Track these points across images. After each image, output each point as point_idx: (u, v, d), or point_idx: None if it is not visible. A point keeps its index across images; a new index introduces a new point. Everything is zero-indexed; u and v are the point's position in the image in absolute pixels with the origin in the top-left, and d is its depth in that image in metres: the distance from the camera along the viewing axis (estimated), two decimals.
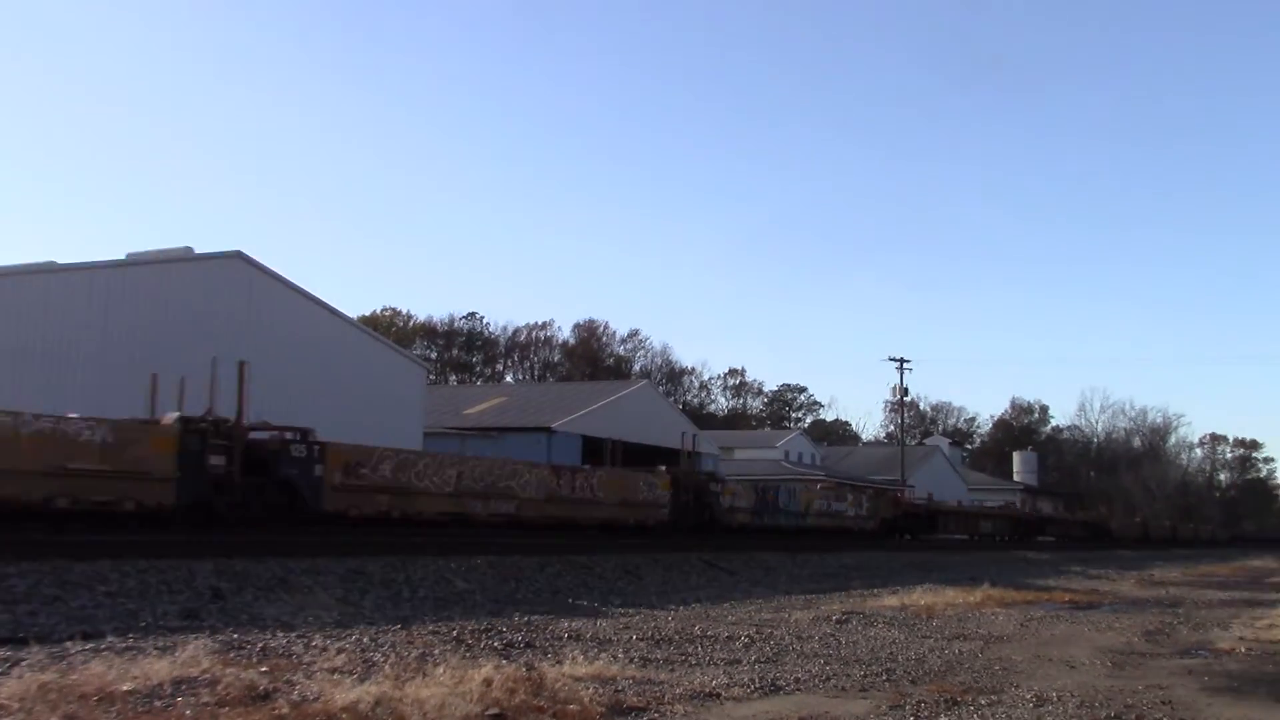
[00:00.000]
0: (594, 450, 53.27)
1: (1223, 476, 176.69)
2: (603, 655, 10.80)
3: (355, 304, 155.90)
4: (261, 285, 38.18)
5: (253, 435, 22.89)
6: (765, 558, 29.60)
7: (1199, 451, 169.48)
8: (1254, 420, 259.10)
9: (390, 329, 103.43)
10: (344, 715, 7.16)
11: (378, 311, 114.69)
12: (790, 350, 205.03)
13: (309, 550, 18.84)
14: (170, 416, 21.19)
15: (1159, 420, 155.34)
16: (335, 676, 8.65)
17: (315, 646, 10.70)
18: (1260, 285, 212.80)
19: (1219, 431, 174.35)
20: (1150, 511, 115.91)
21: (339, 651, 10.24)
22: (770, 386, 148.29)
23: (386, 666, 9.34)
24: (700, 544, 30.29)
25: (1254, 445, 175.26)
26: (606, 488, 31.03)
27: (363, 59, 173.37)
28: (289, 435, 23.44)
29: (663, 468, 35.49)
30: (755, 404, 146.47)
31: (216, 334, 35.21)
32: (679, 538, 31.51)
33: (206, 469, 20.85)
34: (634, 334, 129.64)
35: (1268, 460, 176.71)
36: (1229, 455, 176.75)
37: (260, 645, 10.63)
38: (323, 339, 39.70)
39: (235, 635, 11.44)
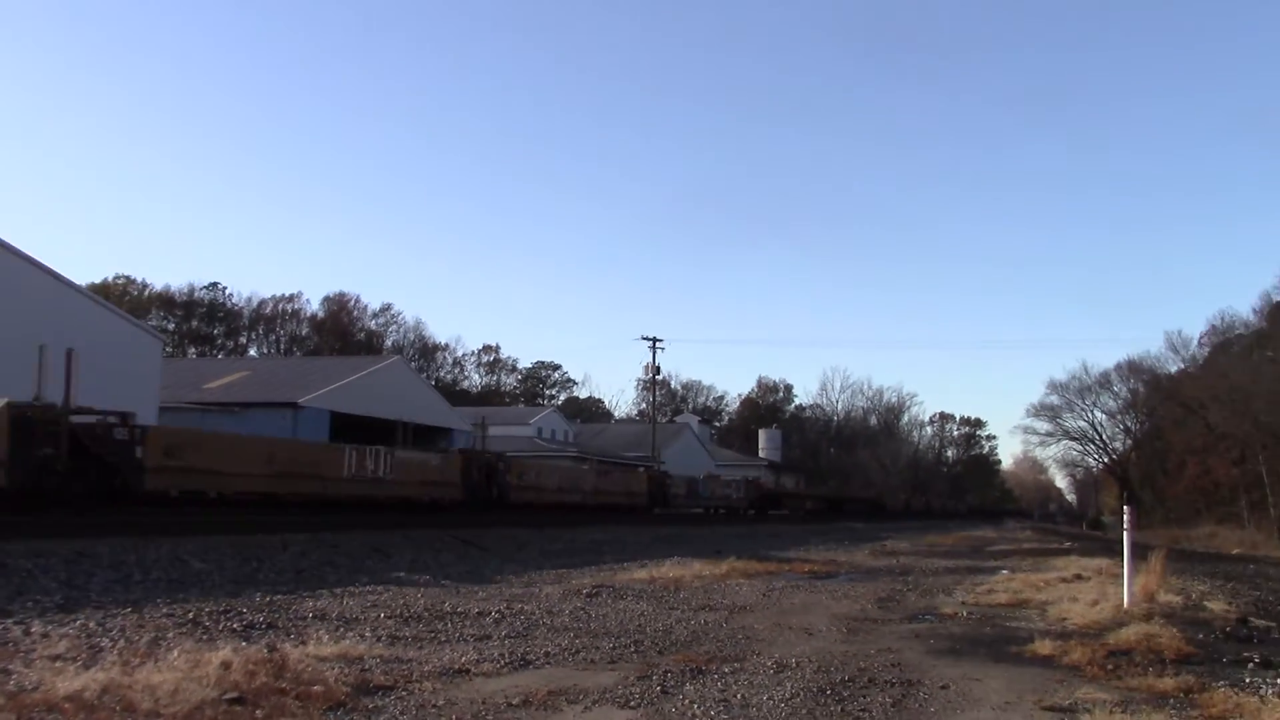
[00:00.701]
0: (344, 427, 51.85)
1: (950, 453, 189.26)
2: (349, 634, 10.51)
3: (85, 271, 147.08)
4: None
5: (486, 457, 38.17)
6: (518, 534, 29.63)
7: (929, 429, 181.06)
8: (978, 400, 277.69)
9: (124, 298, 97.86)
10: (67, 705, 6.67)
11: (110, 279, 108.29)
12: (545, 328, 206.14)
13: (29, 531, 17.63)
14: (454, 449, 38.23)
15: (894, 400, 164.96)
16: (58, 664, 8.06)
17: (35, 633, 9.97)
18: (979, 278, 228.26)
19: (947, 410, 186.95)
20: (885, 486, 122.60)
21: (62, 637, 9.57)
22: (525, 364, 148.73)
23: (115, 652, 8.78)
24: (662, 519, 47.48)
25: (978, 424, 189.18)
26: (622, 482, 50.33)
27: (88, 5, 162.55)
28: (498, 454, 39.56)
29: (642, 469, 56.88)
30: (510, 381, 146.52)
31: None
32: (650, 514, 49.23)
33: (473, 477, 35.83)
34: (386, 308, 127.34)
35: (990, 438, 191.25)
36: (956, 433, 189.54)
37: None
38: (45, 307, 36.99)
39: None
